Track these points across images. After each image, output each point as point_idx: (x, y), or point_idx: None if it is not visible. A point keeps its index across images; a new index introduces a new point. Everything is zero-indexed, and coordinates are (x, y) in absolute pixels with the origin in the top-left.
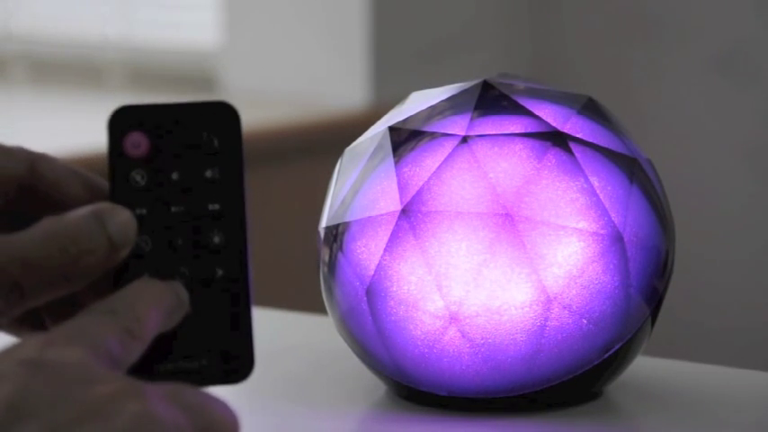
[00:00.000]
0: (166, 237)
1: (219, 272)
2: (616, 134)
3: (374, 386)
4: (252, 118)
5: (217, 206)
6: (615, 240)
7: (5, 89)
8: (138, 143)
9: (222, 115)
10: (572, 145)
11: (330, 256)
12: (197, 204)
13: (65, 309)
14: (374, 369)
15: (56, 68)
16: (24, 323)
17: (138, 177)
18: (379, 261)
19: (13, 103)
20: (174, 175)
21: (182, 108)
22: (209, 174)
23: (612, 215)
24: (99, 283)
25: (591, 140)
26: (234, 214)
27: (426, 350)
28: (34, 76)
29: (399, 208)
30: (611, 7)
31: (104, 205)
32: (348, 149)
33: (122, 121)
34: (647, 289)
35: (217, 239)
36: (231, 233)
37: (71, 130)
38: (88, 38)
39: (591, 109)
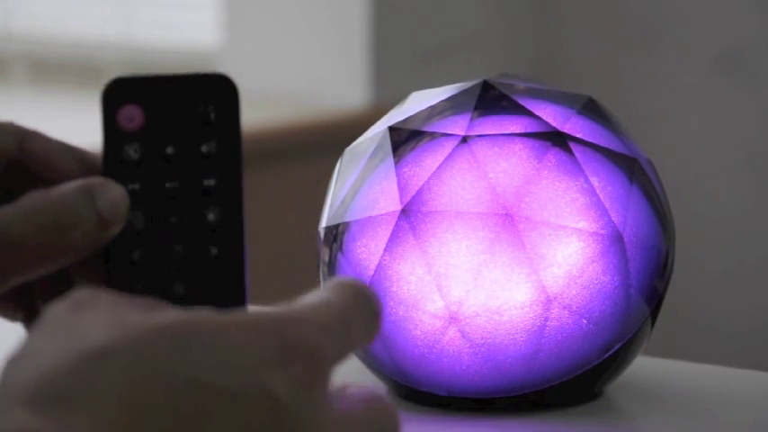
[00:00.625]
0: (160, 213)
1: (213, 250)
2: (616, 134)
3: (374, 386)
4: (252, 118)
5: (212, 182)
6: (615, 240)
7: (5, 89)
8: (131, 116)
9: (220, 88)
10: (572, 145)
11: (330, 256)
12: (192, 180)
13: (57, 288)
14: (374, 369)
15: (56, 68)
16: (11, 303)
17: (132, 151)
18: (379, 261)
19: (13, 103)
20: (169, 150)
21: (178, 80)
22: (204, 148)
23: (612, 215)
24: (89, 261)
25: (591, 140)
26: (230, 190)
27: (426, 350)
28: (34, 76)
29: (399, 208)
30: (612, 7)
31: (95, 180)
32: (348, 149)
33: (117, 94)
34: (647, 289)
35: (211, 216)
36: (226, 210)
37: (71, 130)
38: (88, 38)
39: (591, 109)
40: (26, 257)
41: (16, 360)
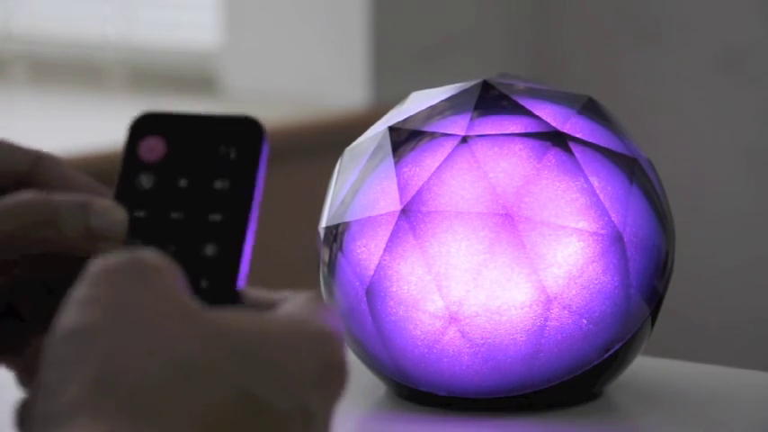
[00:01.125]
0: (159, 242)
1: (204, 282)
2: (616, 134)
3: (374, 386)
4: None
5: (218, 217)
6: (615, 240)
7: (5, 89)
8: (152, 147)
9: (246, 130)
10: (572, 145)
11: (330, 256)
12: (198, 213)
13: (39, 296)
14: (374, 369)
15: (56, 68)
16: None
17: (145, 180)
18: (379, 261)
19: (13, 103)
20: (182, 182)
21: (205, 119)
22: (218, 184)
23: (612, 215)
24: (74, 274)
25: (591, 140)
26: (233, 228)
27: (426, 350)
28: (34, 76)
29: (399, 208)
30: (612, 8)
31: (98, 200)
32: (348, 149)
33: (143, 126)
34: (647, 289)
35: (209, 251)
36: (226, 245)
37: (71, 130)
38: (88, 38)
39: (591, 109)
40: (8, 247)
41: (85, 337)
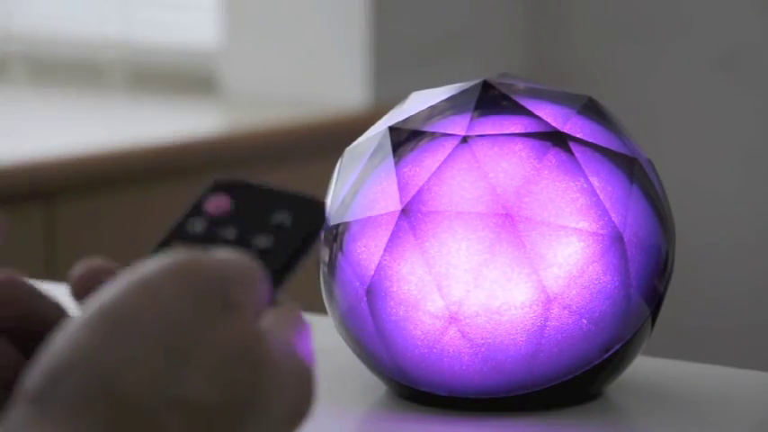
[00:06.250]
0: None
1: None
2: (616, 134)
3: (374, 386)
4: (252, 118)
5: None
6: (615, 240)
7: (5, 89)
8: (219, 204)
9: (311, 209)
10: (572, 145)
11: (330, 256)
12: None
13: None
14: (374, 369)
15: (56, 68)
16: None
17: (198, 225)
18: (379, 261)
19: (13, 103)
20: (230, 234)
21: (278, 192)
22: (262, 243)
23: (612, 215)
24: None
25: (591, 140)
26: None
27: (426, 350)
28: (34, 76)
29: (399, 208)
30: (611, 7)
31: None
32: (348, 149)
33: (218, 186)
34: (647, 289)
35: None
36: None
37: (71, 130)
38: (88, 38)
39: (591, 109)
40: None
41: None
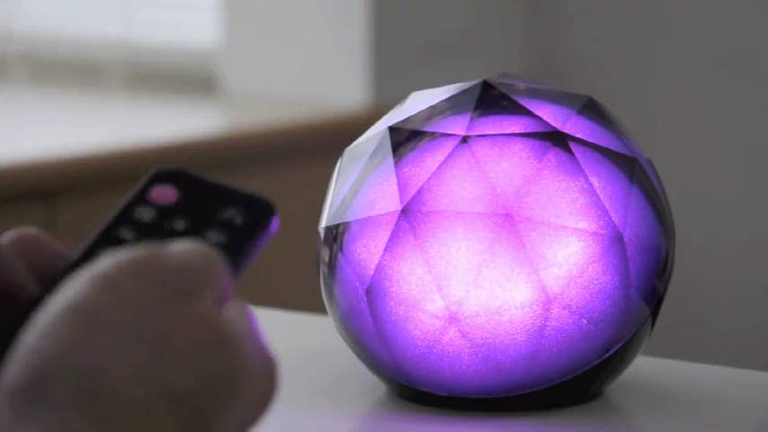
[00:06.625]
0: None
1: None
2: (616, 134)
3: (374, 386)
4: (252, 118)
5: None
6: (615, 240)
7: (5, 89)
8: (164, 193)
9: (262, 209)
10: (572, 145)
11: (330, 256)
12: None
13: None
14: (374, 369)
15: (56, 68)
16: None
17: (146, 214)
18: (379, 261)
19: (13, 103)
20: (180, 225)
21: (226, 189)
22: (214, 238)
23: (612, 215)
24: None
25: (591, 140)
26: None
27: (426, 350)
28: (34, 76)
29: (399, 208)
30: (611, 7)
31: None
32: (348, 149)
33: (164, 176)
34: (647, 289)
35: None
36: None
37: (71, 130)
38: (88, 38)
39: (591, 109)
40: None
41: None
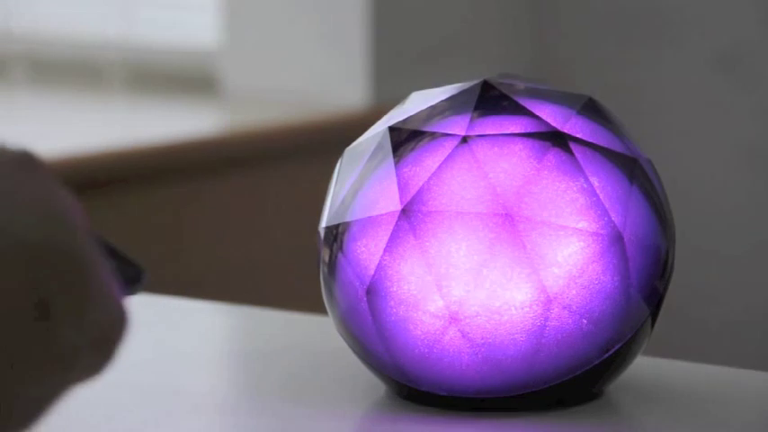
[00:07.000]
0: None
1: None
2: (616, 134)
3: (374, 386)
4: (252, 118)
5: None
6: (615, 240)
7: (5, 89)
8: None
9: (132, 273)
10: (572, 145)
11: (330, 256)
12: None
13: None
14: (374, 369)
15: (56, 68)
16: None
17: None
18: (379, 261)
19: (13, 103)
20: None
21: (107, 245)
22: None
23: (612, 215)
24: None
25: (591, 140)
26: None
27: (426, 350)
28: (34, 76)
29: (399, 208)
30: (611, 7)
31: None
32: (348, 149)
33: None
34: (647, 289)
35: None
36: None
37: (71, 130)
38: (88, 38)
39: (591, 109)
40: None
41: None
